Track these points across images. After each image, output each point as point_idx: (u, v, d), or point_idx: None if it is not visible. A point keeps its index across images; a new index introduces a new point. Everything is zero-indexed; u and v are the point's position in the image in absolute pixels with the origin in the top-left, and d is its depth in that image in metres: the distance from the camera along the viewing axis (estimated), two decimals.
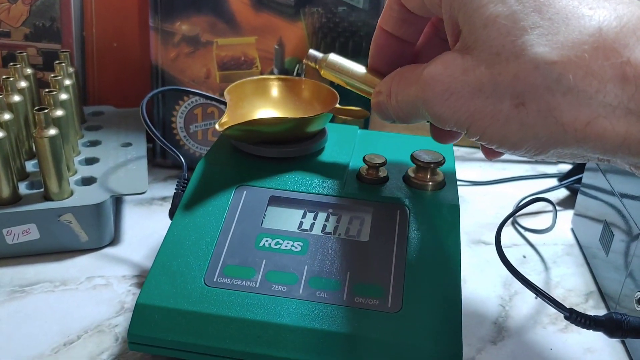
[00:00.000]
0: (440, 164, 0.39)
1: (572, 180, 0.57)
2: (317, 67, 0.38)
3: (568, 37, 0.24)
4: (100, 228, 0.45)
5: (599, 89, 0.23)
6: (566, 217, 0.55)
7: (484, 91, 0.26)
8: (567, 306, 0.32)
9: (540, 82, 0.24)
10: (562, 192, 0.59)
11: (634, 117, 0.23)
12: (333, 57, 0.37)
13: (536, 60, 0.24)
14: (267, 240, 0.36)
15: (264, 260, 0.35)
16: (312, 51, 0.38)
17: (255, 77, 0.45)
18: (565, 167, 0.63)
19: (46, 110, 0.42)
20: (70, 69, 0.54)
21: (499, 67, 0.25)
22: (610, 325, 0.33)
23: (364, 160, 0.40)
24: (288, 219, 0.38)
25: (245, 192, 0.39)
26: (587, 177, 0.50)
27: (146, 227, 0.50)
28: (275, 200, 0.39)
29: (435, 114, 0.28)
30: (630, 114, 0.23)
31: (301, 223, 0.37)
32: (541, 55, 0.24)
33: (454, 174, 0.41)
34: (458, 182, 0.59)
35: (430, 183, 0.39)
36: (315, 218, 0.38)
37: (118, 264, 0.45)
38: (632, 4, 0.24)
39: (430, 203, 0.38)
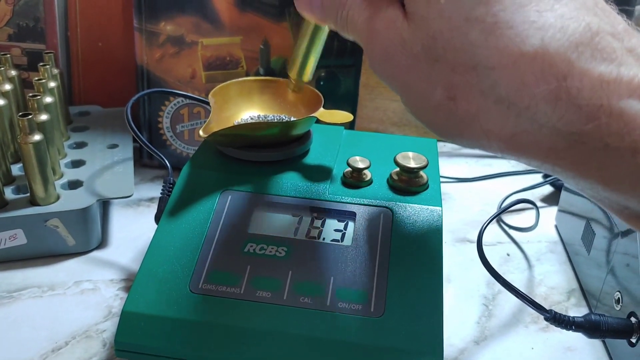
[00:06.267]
0: (423, 167, 0.39)
1: (557, 177, 0.57)
2: (293, 77, 0.41)
3: (509, 44, 0.23)
4: (87, 232, 0.46)
5: (530, 106, 0.23)
6: (550, 213, 0.55)
7: (419, 70, 0.25)
8: (549, 304, 0.33)
9: (476, 83, 0.24)
10: (547, 189, 0.60)
11: (560, 137, 0.23)
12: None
13: (475, 61, 0.23)
14: (251, 246, 0.37)
15: (249, 266, 0.35)
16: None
17: (239, 79, 0.45)
18: None
19: (30, 116, 0.42)
20: (55, 71, 0.54)
21: (435, 54, 0.24)
22: (589, 326, 0.33)
23: (347, 163, 0.40)
24: (272, 224, 0.38)
25: (230, 196, 0.39)
26: None
27: (133, 229, 0.50)
28: (259, 205, 0.39)
29: (373, 69, 0.27)
30: (556, 134, 0.23)
31: (285, 228, 0.38)
32: (480, 57, 0.23)
33: (437, 176, 0.42)
34: (443, 179, 0.60)
35: (413, 186, 0.40)
36: (299, 223, 0.38)
37: (106, 268, 0.45)
38: (582, 9, 0.23)
39: (413, 206, 0.39)
